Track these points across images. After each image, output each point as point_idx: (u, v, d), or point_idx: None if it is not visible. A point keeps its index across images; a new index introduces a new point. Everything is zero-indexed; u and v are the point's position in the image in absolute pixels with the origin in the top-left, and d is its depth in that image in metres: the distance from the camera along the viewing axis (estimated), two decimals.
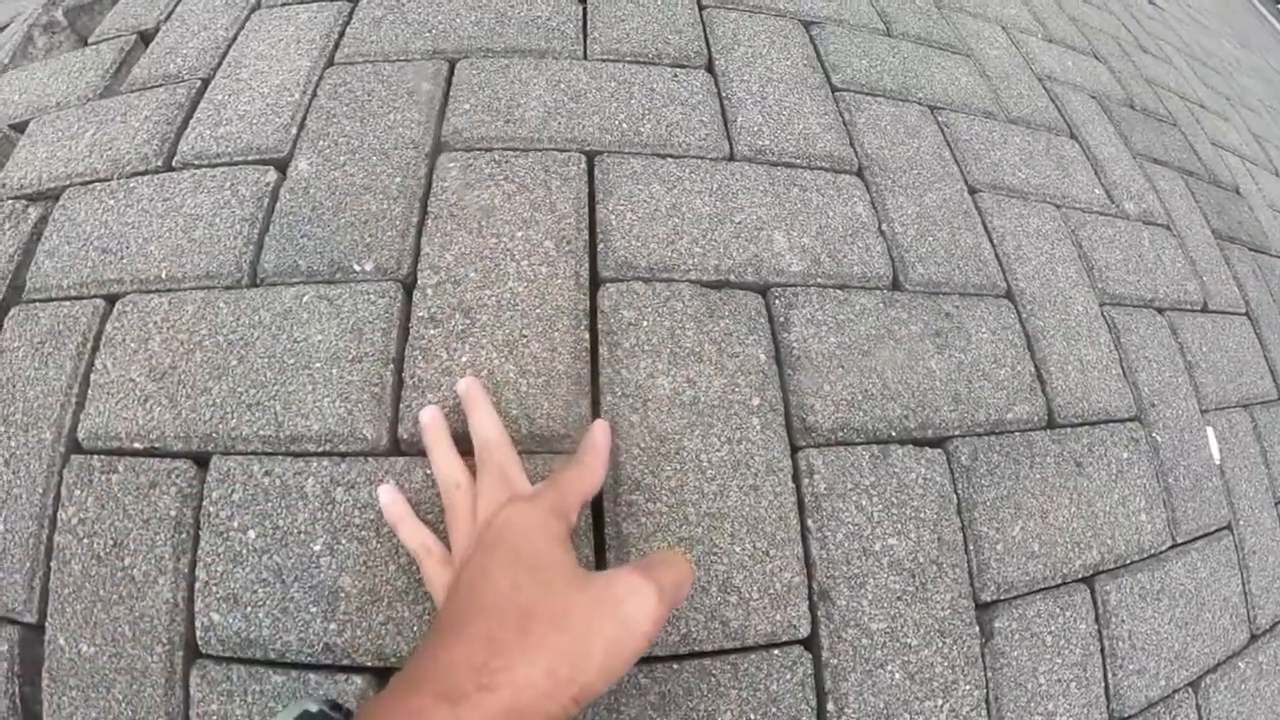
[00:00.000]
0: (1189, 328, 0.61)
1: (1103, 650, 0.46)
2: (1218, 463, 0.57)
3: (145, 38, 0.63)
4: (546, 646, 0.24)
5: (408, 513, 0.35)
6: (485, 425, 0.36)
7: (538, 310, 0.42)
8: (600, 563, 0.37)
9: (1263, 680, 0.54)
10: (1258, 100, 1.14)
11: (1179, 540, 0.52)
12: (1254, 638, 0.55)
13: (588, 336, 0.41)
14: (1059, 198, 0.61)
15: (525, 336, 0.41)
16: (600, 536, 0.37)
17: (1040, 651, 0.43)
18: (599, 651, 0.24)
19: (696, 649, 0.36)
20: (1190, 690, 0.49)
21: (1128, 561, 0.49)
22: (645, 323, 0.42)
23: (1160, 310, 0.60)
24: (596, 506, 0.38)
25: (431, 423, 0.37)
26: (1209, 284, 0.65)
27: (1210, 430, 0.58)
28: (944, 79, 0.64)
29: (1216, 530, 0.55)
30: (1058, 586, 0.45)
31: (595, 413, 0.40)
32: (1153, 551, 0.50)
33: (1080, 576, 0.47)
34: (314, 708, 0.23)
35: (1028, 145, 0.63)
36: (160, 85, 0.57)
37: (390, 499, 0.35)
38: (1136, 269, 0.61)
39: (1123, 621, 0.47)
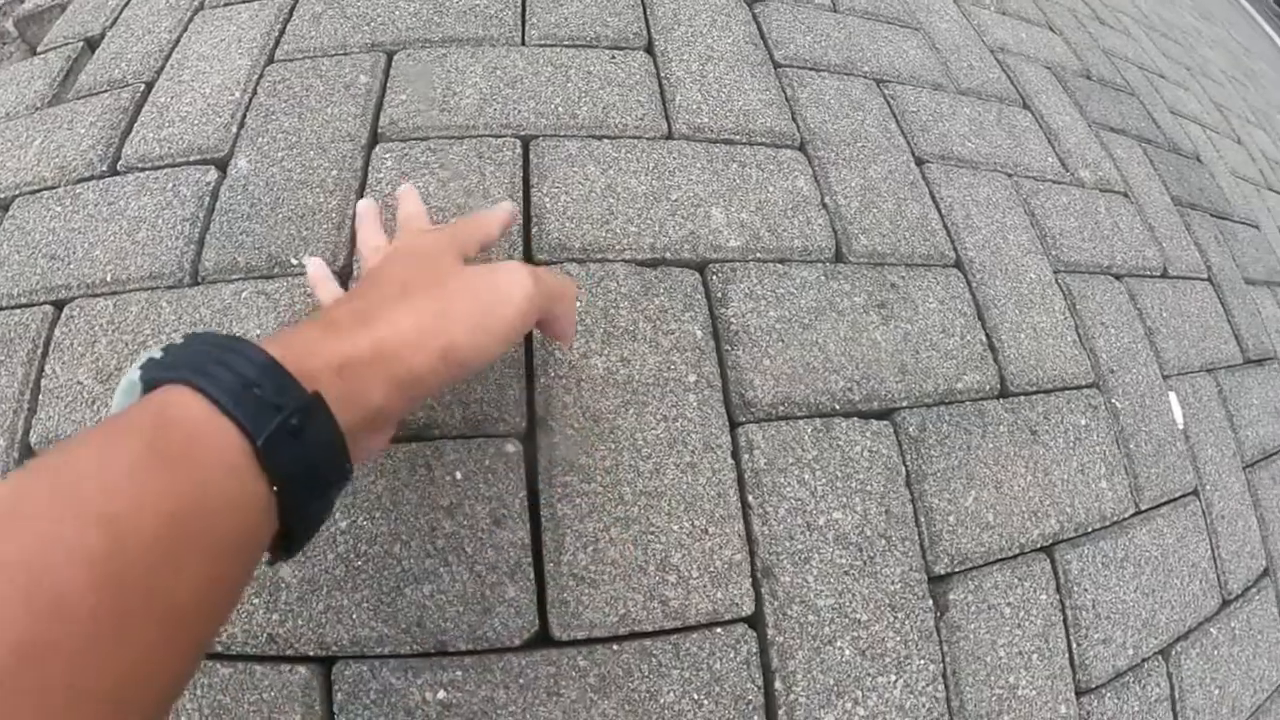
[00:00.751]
0: (1148, 293, 0.61)
1: (1065, 620, 0.45)
2: (1181, 428, 0.57)
3: (92, 44, 0.63)
4: (419, 306, 0.26)
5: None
6: (411, 206, 0.40)
7: None
8: (537, 546, 0.37)
9: (1236, 646, 0.53)
10: (1219, 70, 1.13)
11: (1143, 507, 0.52)
12: (1225, 603, 0.54)
13: None
14: (1010, 166, 0.60)
15: None
16: (535, 518, 0.37)
17: (999, 623, 0.43)
18: (465, 311, 0.26)
19: (636, 629, 0.36)
20: (1161, 658, 0.48)
21: (1089, 530, 0.48)
22: (579, 303, 0.41)
23: (1118, 277, 0.60)
24: (531, 488, 0.37)
25: (365, 208, 0.41)
26: (1169, 250, 0.65)
27: (1173, 395, 0.57)
28: (891, 52, 0.64)
29: (1182, 496, 0.54)
30: (1015, 557, 0.45)
31: (529, 396, 0.39)
32: (1115, 519, 0.50)
33: (1039, 546, 0.46)
34: (157, 354, 0.23)
35: (978, 116, 0.62)
36: (105, 91, 0.57)
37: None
38: (1093, 236, 0.60)
39: (1085, 590, 0.46)
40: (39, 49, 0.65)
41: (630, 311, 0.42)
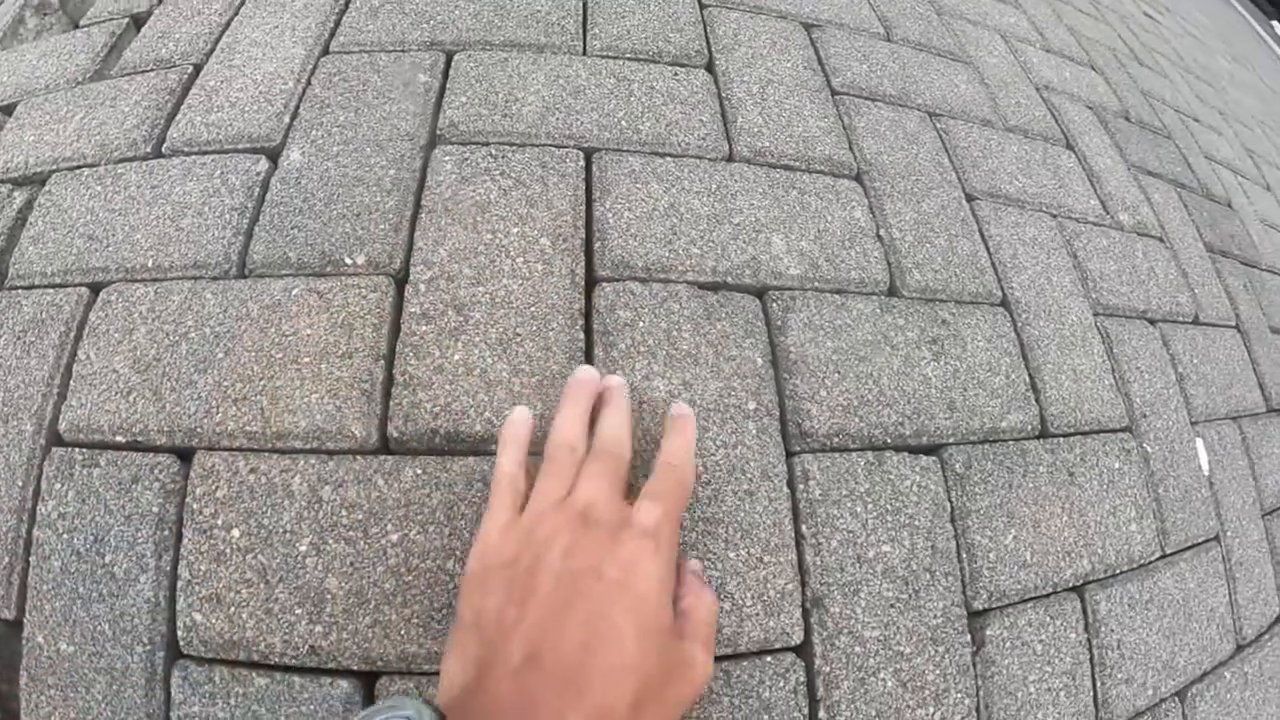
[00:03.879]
0: (1180, 340, 0.62)
1: (1092, 659, 0.46)
2: (1206, 474, 0.58)
3: (138, 21, 0.62)
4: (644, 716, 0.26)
5: (524, 443, 0.34)
6: (616, 423, 0.34)
7: (532, 309, 0.41)
8: None
9: (1248, 690, 0.54)
10: (1251, 115, 1.15)
11: (1168, 551, 0.53)
12: (1240, 648, 0.55)
13: (583, 336, 0.41)
14: (1055, 207, 0.61)
15: (519, 335, 0.40)
16: None
17: (1030, 660, 0.43)
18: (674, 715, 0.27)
19: None
20: (1177, 700, 0.49)
21: (1117, 571, 0.49)
22: (641, 323, 0.41)
23: (1153, 321, 0.61)
24: None
25: (581, 380, 0.36)
26: (1201, 297, 0.66)
27: (1200, 442, 0.58)
28: (943, 85, 0.64)
29: (1204, 541, 0.55)
30: (1048, 595, 0.45)
31: (591, 416, 0.39)
32: (1142, 562, 0.51)
33: (1071, 586, 0.46)
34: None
35: (1025, 154, 0.63)
36: (151, 70, 0.56)
37: (521, 416, 0.35)
38: (1130, 280, 0.61)
39: (1112, 631, 0.47)
40: (81, 22, 0.64)
41: (693, 335, 0.42)
